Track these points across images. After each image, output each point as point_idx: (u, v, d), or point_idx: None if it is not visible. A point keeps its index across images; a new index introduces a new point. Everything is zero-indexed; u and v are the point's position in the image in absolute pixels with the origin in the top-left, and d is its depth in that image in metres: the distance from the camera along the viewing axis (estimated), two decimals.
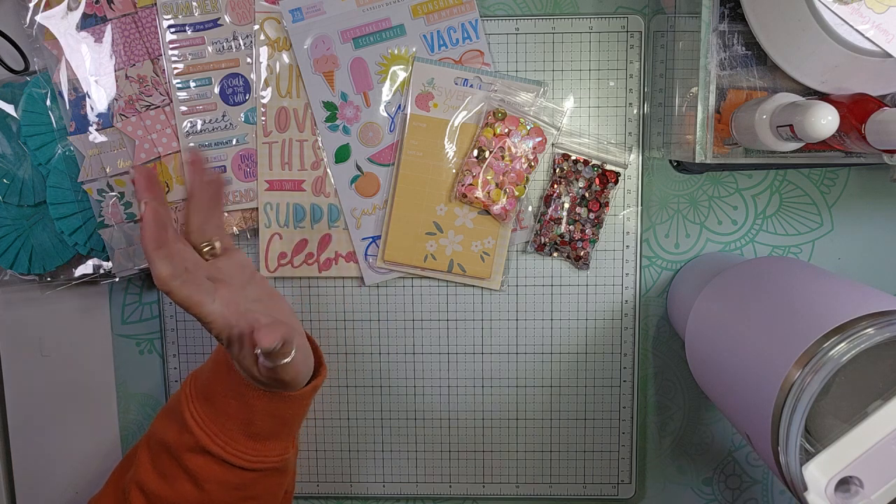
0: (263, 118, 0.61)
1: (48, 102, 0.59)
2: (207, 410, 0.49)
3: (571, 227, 0.61)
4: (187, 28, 0.60)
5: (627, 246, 0.62)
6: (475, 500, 0.67)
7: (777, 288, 0.47)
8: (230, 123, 0.61)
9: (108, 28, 0.59)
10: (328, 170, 0.62)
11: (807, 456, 0.38)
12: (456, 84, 0.60)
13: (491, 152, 0.59)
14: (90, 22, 0.59)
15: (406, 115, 0.60)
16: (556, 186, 0.61)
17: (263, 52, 0.60)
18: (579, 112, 0.61)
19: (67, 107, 0.59)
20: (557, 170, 0.61)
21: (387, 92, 0.61)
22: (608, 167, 0.60)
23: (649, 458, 0.66)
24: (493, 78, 0.60)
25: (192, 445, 0.49)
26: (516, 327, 0.64)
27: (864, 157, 0.51)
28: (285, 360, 0.44)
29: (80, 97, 0.59)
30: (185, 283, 0.44)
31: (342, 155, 0.61)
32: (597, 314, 0.63)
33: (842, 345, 0.38)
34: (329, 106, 0.61)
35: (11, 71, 0.60)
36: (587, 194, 0.61)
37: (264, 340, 0.41)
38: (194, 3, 0.59)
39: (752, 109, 0.48)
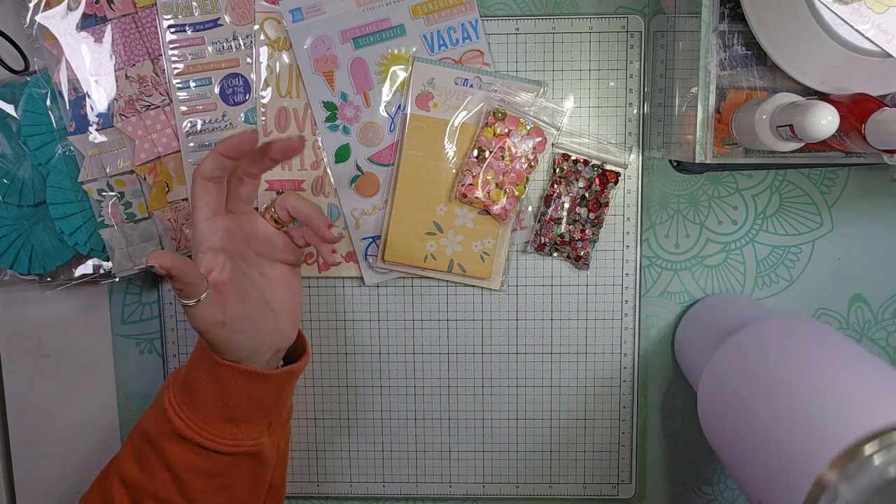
0: (263, 118, 0.61)
1: (48, 102, 0.59)
2: (184, 397, 0.50)
3: (571, 227, 0.61)
4: (187, 28, 0.60)
5: (627, 246, 0.62)
6: (475, 500, 0.67)
7: (804, 366, 0.44)
8: (230, 123, 0.61)
9: (108, 28, 0.59)
10: (328, 170, 0.62)
11: None
12: (456, 84, 0.60)
13: (491, 152, 0.59)
14: (90, 22, 0.59)
15: (406, 115, 0.60)
16: (556, 186, 0.61)
17: (263, 52, 0.60)
18: (579, 112, 0.61)
19: (67, 107, 0.59)
20: (557, 170, 0.61)
21: (387, 92, 0.61)
22: (608, 167, 0.60)
23: (649, 458, 0.66)
24: (493, 78, 0.60)
25: (169, 432, 0.50)
26: (516, 327, 0.64)
27: (864, 157, 0.51)
28: (186, 301, 0.46)
29: (80, 97, 0.59)
30: (204, 189, 0.48)
31: (342, 155, 0.61)
32: (597, 314, 0.63)
33: (882, 455, 0.35)
34: (329, 106, 0.61)
35: (11, 71, 0.60)
36: (587, 194, 0.61)
37: (149, 257, 0.44)
38: (194, 3, 0.59)
39: (752, 109, 0.48)
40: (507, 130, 0.59)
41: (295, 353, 0.56)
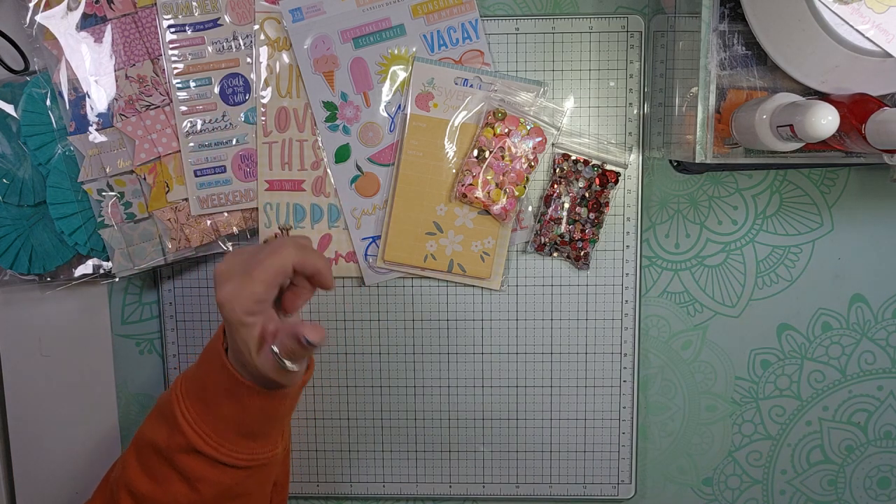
0: (263, 118, 0.61)
1: (48, 102, 0.59)
2: (199, 410, 0.49)
3: (571, 227, 0.61)
4: (187, 28, 0.60)
5: (627, 246, 0.62)
6: (475, 500, 0.67)
7: None
8: (230, 123, 0.61)
9: (108, 28, 0.59)
10: (328, 170, 0.62)
11: None
12: (456, 84, 0.60)
13: (491, 152, 0.59)
14: (90, 22, 0.59)
15: (406, 115, 0.60)
16: (556, 186, 0.61)
17: (263, 52, 0.60)
18: (579, 112, 0.61)
19: (67, 107, 0.59)
20: (557, 170, 0.61)
21: (387, 92, 0.61)
22: (608, 167, 0.60)
23: (649, 458, 0.66)
24: (493, 78, 0.60)
25: (184, 446, 0.49)
26: (516, 327, 0.64)
27: (864, 157, 0.51)
28: (298, 366, 0.47)
29: (80, 97, 0.59)
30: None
31: (342, 155, 0.61)
32: (597, 314, 0.63)
33: None
34: (329, 106, 0.61)
35: (11, 71, 0.60)
36: (587, 194, 0.61)
37: (312, 334, 0.44)
38: (194, 3, 0.59)
39: (752, 109, 0.48)
40: (507, 130, 0.59)
41: None
